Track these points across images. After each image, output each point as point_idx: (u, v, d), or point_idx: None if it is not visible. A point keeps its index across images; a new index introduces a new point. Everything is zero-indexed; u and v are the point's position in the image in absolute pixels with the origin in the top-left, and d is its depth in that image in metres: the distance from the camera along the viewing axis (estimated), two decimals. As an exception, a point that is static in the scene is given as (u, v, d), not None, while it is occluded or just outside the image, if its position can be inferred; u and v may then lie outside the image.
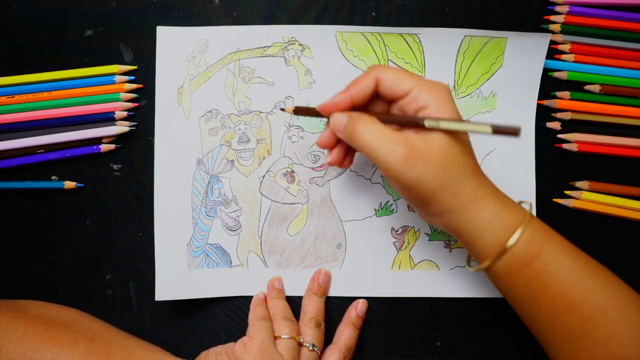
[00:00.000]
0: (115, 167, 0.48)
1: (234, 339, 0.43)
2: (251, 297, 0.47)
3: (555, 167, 0.48)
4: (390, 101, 0.39)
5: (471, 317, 0.48)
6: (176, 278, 0.47)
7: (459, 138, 0.37)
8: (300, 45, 0.47)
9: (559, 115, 0.48)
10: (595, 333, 0.35)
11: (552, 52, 0.48)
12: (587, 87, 0.48)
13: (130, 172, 0.48)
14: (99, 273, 0.48)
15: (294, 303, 0.47)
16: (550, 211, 0.48)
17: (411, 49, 0.47)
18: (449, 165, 0.36)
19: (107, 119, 0.47)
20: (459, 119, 0.37)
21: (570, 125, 0.48)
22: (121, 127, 0.47)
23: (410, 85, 0.37)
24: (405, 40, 0.47)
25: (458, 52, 0.47)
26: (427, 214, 0.39)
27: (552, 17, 0.48)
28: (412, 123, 0.37)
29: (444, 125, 0.35)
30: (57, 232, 0.48)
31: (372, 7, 0.48)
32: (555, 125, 0.48)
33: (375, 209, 0.48)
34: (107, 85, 0.47)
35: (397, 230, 0.48)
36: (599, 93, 0.47)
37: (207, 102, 0.47)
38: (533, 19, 0.48)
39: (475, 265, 0.39)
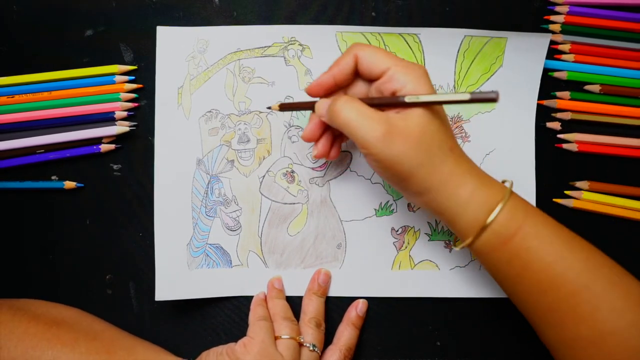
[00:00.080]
0: (115, 167, 0.48)
1: (234, 339, 0.43)
2: (251, 297, 0.47)
3: (555, 167, 0.48)
4: (370, 82, 0.40)
5: (471, 317, 0.48)
6: (176, 278, 0.47)
7: (437, 116, 0.37)
8: (300, 45, 0.47)
9: (559, 115, 0.48)
10: (579, 308, 0.36)
11: (552, 52, 0.48)
12: (587, 87, 0.48)
13: (130, 172, 0.48)
14: (99, 273, 0.48)
15: (294, 303, 0.47)
16: (550, 211, 0.47)
17: (411, 49, 0.47)
18: (427, 143, 0.36)
19: (107, 119, 0.47)
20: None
21: (570, 125, 0.48)
22: (121, 127, 0.47)
23: (386, 65, 0.37)
24: (405, 40, 0.47)
25: (458, 52, 0.47)
26: (408, 194, 0.39)
27: (552, 17, 0.48)
28: (393, 103, 0.37)
29: (424, 98, 0.36)
30: (57, 232, 0.48)
31: (371, 7, 0.48)
32: (555, 125, 0.48)
33: (375, 209, 0.48)
34: (107, 85, 0.47)
35: (397, 230, 0.48)
36: (599, 93, 0.47)
37: (207, 102, 0.47)
38: (533, 19, 0.48)
39: (459, 244, 0.39)
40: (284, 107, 0.44)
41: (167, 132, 0.47)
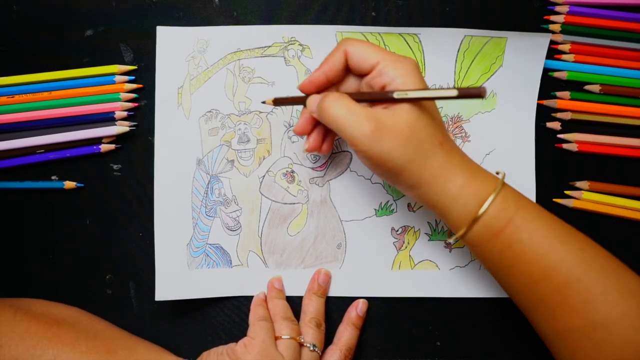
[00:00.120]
0: (115, 167, 0.48)
1: (234, 339, 0.43)
2: (251, 297, 0.47)
3: (555, 167, 0.48)
4: (360, 77, 0.40)
5: (471, 317, 0.48)
6: (176, 278, 0.47)
7: (427, 111, 0.37)
8: (300, 45, 0.47)
9: (559, 115, 0.48)
10: (571, 300, 0.36)
11: (552, 52, 0.48)
12: (587, 87, 0.48)
13: (130, 172, 0.48)
14: (99, 273, 0.48)
15: (294, 303, 0.47)
16: (551, 211, 0.47)
17: (411, 49, 0.47)
18: (416, 139, 0.36)
19: (107, 119, 0.47)
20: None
21: (570, 125, 0.48)
22: (121, 127, 0.47)
23: (376, 59, 0.38)
24: (405, 40, 0.47)
25: (458, 52, 0.47)
26: (400, 187, 0.39)
27: (552, 17, 0.48)
28: (381, 99, 0.37)
29: (412, 94, 0.36)
30: (57, 232, 0.48)
31: (371, 7, 0.48)
32: (555, 125, 0.48)
33: (375, 209, 0.48)
34: (107, 85, 0.47)
35: (397, 230, 0.48)
36: (599, 93, 0.47)
37: (207, 102, 0.47)
38: (533, 19, 0.48)
39: (452, 237, 0.40)
40: (277, 102, 0.44)
41: (167, 132, 0.47)
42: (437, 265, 0.48)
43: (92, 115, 0.47)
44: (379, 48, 0.38)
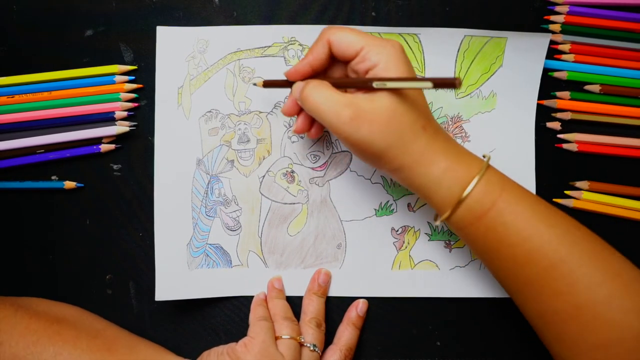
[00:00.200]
0: (115, 167, 0.48)
1: (234, 339, 0.43)
2: (251, 297, 0.47)
3: (555, 167, 0.48)
4: (346, 63, 0.40)
5: (471, 317, 0.48)
6: (176, 278, 0.47)
7: (408, 96, 0.37)
8: (300, 45, 0.47)
9: (559, 115, 0.48)
10: (556, 282, 0.36)
11: (552, 52, 0.48)
12: (587, 87, 0.48)
13: (130, 172, 0.48)
14: (99, 273, 0.48)
15: (294, 303, 0.47)
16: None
17: (411, 49, 0.47)
18: (396, 124, 0.36)
19: (107, 119, 0.47)
20: (409, 76, 0.37)
21: (570, 125, 0.48)
22: (121, 127, 0.47)
23: (359, 45, 0.37)
24: (405, 40, 0.47)
25: (458, 52, 0.47)
26: (384, 171, 0.40)
27: (552, 17, 0.48)
28: (362, 85, 0.37)
29: (390, 84, 0.36)
30: (57, 232, 0.48)
31: (371, 7, 0.48)
32: (555, 125, 0.48)
33: (375, 209, 0.48)
34: (107, 85, 0.47)
35: (397, 230, 0.48)
36: (599, 93, 0.47)
37: (207, 102, 0.47)
38: (533, 19, 0.48)
39: (438, 220, 0.40)
40: (267, 84, 0.45)
41: (167, 132, 0.47)
42: (437, 265, 0.48)
43: (92, 115, 0.47)
44: (362, 33, 0.38)
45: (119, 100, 0.47)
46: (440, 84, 0.33)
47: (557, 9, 0.47)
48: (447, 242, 0.48)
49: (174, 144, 0.47)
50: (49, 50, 0.47)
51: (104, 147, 0.47)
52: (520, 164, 0.48)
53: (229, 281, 0.47)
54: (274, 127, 0.48)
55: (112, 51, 0.47)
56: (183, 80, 0.47)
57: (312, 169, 0.48)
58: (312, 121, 0.43)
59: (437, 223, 0.40)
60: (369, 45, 0.37)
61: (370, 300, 0.48)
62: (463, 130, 0.48)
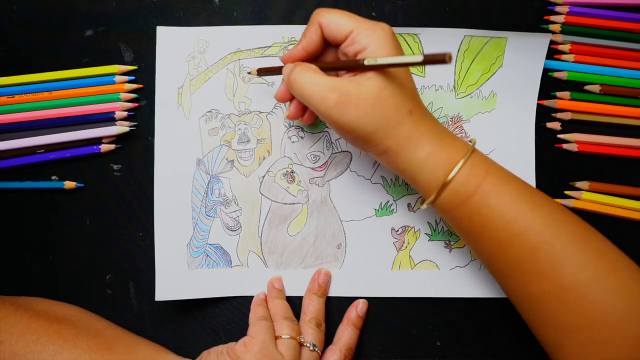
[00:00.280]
0: (115, 167, 0.48)
1: (234, 339, 0.43)
2: (251, 297, 0.47)
3: (555, 167, 0.48)
4: (337, 46, 0.40)
5: (471, 317, 0.48)
6: (176, 278, 0.47)
7: (395, 80, 0.37)
8: (300, 45, 0.47)
9: (559, 115, 0.48)
10: (540, 264, 0.36)
11: (552, 52, 0.48)
12: (587, 87, 0.48)
13: (130, 172, 0.48)
14: (99, 273, 0.48)
15: (294, 303, 0.47)
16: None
17: (411, 49, 0.47)
18: (381, 108, 0.36)
19: (107, 119, 0.47)
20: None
21: (570, 125, 0.48)
22: (121, 127, 0.47)
23: (349, 27, 0.37)
24: (405, 41, 0.47)
25: (458, 52, 0.47)
26: (371, 154, 0.40)
27: (552, 17, 0.48)
28: (353, 66, 0.37)
29: (382, 61, 0.35)
30: (57, 232, 0.48)
31: (371, 7, 0.48)
32: (555, 125, 0.48)
33: (375, 209, 0.48)
34: (107, 85, 0.47)
35: (397, 230, 0.48)
36: (599, 93, 0.47)
37: (207, 102, 0.47)
38: (533, 19, 0.48)
39: (423, 204, 0.40)
40: (261, 71, 0.45)
41: (167, 132, 0.47)
42: (437, 265, 0.48)
43: (92, 115, 0.47)
44: (352, 16, 0.38)
45: (119, 100, 0.47)
46: (431, 60, 0.33)
47: (557, 9, 0.47)
48: (447, 242, 0.48)
49: (174, 144, 0.47)
50: (49, 50, 0.47)
51: (104, 147, 0.47)
52: (520, 164, 0.48)
53: (229, 281, 0.47)
54: (274, 127, 0.48)
55: (112, 51, 0.47)
56: (183, 80, 0.47)
57: (312, 169, 0.48)
58: (304, 107, 0.43)
59: (424, 207, 0.40)
60: (358, 27, 0.37)
61: (370, 300, 0.48)
62: (463, 130, 0.48)
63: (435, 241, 0.48)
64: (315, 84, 0.37)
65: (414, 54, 0.47)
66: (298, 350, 0.43)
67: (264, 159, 0.48)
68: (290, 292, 0.47)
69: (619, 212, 0.47)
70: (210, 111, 0.47)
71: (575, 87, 0.48)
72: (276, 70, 0.43)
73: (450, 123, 0.48)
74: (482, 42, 0.47)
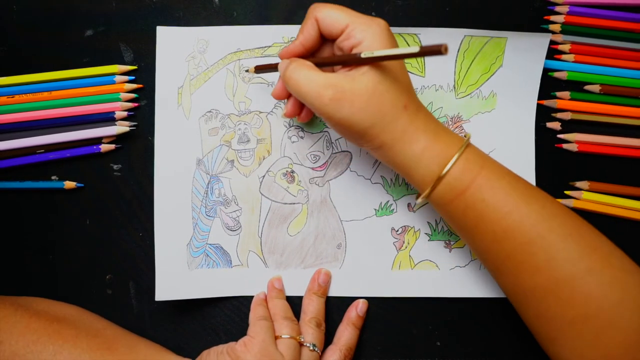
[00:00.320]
0: (115, 167, 0.48)
1: (234, 338, 0.43)
2: (251, 297, 0.47)
3: (555, 167, 0.48)
4: (332, 41, 0.40)
5: (471, 317, 0.48)
6: (176, 278, 0.47)
7: (390, 75, 0.37)
8: (300, 45, 0.47)
9: (559, 115, 0.48)
10: (534, 257, 0.37)
11: (552, 52, 0.48)
12: (587, 87, 0.48)
13: (130, 172, 0.48)
14: (99, 273, 0.48)
15: (294, 303, 0.47)
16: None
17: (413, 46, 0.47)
18: (376, 104, 0.37)
19: (107, 119, 0.47)
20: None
21: (570, 125, 0.48)
22: (121, 127, 0.47)
23: (345, 22, 0.38)
24: (405, 41, 0.47)
25: (458, 52, 0.47)
26: (366, 148, 0.40)
27: (552, 17, 0.48)
28: (349, 60, 0.37)
29: (378, 53, 0.36)
30: (57, 232, 0.48)
31: (372, 7, 0.48)
32: (555, 125, 0.48)
33: (375, 209, 0.48)
34: (107, 85, 0.47)
35: (397, 230, 0.48)
36: (599, 93, 0.47)
37: (207, 102, 0.47)
38: (533, 19, 0.48)
39: (419, 199, 0.40)
40: (258, 69, 0.45)
41: (167, 132, 0.47)
42: (437, 265, 0.48)
43: (92, 115, 0.47)
44: (348, 10, 0.38)
45: (119, 100, 0.47)
46: (427, 51, 0.33)
47: (557, 9, 0.47)
48: (447, 242, 0.48)
49: (174, 144, 0.47)
50: (49, 50, 0.47)
51: (104, 147, 0.47)
52: (520, 164, 0.48)
53: (229, 281, 0.47)
54: (274, 127, 0.48)
55: (112, 51, 0.47)
56: (183, 80, 0.47)
57: (312, 169, 0.48)
58: (301, 105, 0.43)
59: (419, 200, 0.40)
60: (354, 22, 0.37)
61: (370, 300, 0.48)
62: (463, 130, 0.48)
63: (435, 241, 0.48)
64: (310, 80, 0.37)
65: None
66: (298, 350, 0.43)
67: (264, 159, 0.48)
68: (290, 292, 0.47)
69: (619, 212, 0.47)
70: (210, 111, 0.47)
71: (575, 87, 0.48)
72: (274, 67, 0.43)
73: (450, 123, 0.48)
74: (482, 42, 0.47)
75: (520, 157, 0.48)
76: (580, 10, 0.47)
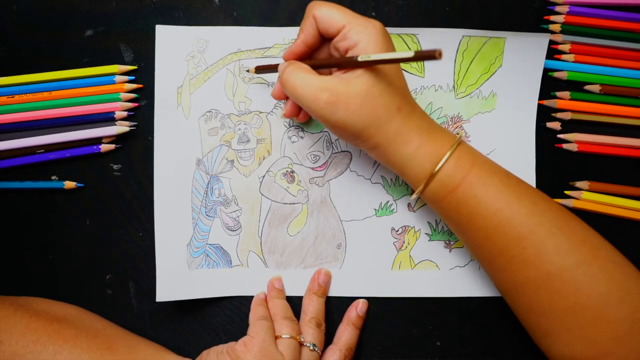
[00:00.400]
0: (115, 167, 0.48)
1: (234, 338, 0.43)
2: (251, 297, 0.47)
3: (555, 167, 0.48)
4: (329, 40, 0.40)
5: (471, 317, 0.48)
6: (176, 278, 0.47)
7: (384, 77, 0.38)
8: (300, 45, 0.47)
9: (559, 115, 0.48)
10: (525, 252, 0.38)
11: (552, 52, 0.48)
12: (587, 87, 0.48)
13: (130, 172, 0.48)
14: (99, 273, 0.48)
15: (294, 303, 0.47)
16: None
17: (409, 49, 0.47)
18: (370, 106, 0.37)
19: (107, 119, 0.47)
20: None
21: (570, 125, 0.48)
22: (121, 127, 0.47)
23: (341, 22, 0.38)
24: (404, 41, 0.47)
25: (457, 52, 0.47)
26: (361, 148, 0.41)
27: (552, 17, 0.48)
28: (346, 63, 0.38)
29: (374, 57, 0.36)
30: (57, 232, 0.48)
31: (371, 7, 0.48)
32: (555, 125, 0.48)
33: (375, 209, 0.48)
34: (107, 85, 0.47)
35: (397, 230, 0.48)
36: (599, 93, 0.47)
37: (206, 102, 0.47)
38: (533, 19, 0.48)
39: (413, 195, 0.41)
40: (259, 69, 0.46)
41: (167, 132, 0.47)
42: (437, 265, 0.48)
43: (92, 115, 0.47)
44: (345, 10, 0.38)
45: (119, 100, 0.47)
46: (422, 56, 0.33)
47: (557, 9, 0.47)
48: (447, 242, 0.48)
49: (174, 144, 0.47)
50: (49, 50, 0.47)
51: (104, 147, 0.47)
52: (520, 164, 0.48)
53: (229, 281, 0.47)
54: (274, 127, 0.48)
55: (112, 51, 0.47)
56: (183, 80, 0.47)
57: (312, 169, 0.48)
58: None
59: (413, 197, 0.41)
60: (350, 23, 0.38)
61: (370, 300, 0.48)
62: (463, 130, 0.48)
63: (435, 241, 0.48)
64: (306, 84, 0.38)
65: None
66: (298, 350, 0.43)
67: (264, 159, 0.48)
68: (290, 292, 0.47)
69: (619, 212, 0.47)
70: (210, 111, 0.47)
71: (575, 87, 0.48)
72: (274, 68, 0.43)
73: (450, 123, 0.48)
74: (481, 42, 0.47)
75: (520, 157, 0.48)
76: (580, 10, 0.47)
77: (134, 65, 0.47)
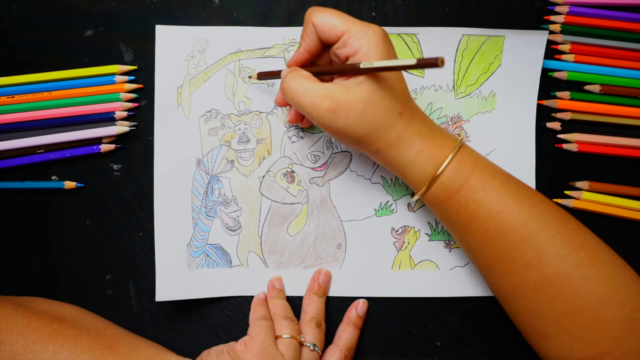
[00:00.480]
0: (115, 167, 0.48)
1: (234, 338, 0.43)
2: (251, 297, 0.47)
3: (555, 167, 0.48)
4: (329, 46, 0.40)
5: (471, 317, 0.48)
6: (176, 278, 0.47)
7: (385, 83, 0.38)
8: (300, 45, 0.47)
9: (559, 115, 0.48)
10: (525, 255, 0.38)
11: (552, 52, 0.48)
12: (587, 87, 0.48)
13: (130, 172, 0.48)
14: (99, 273, 0.48)
15: (294, 303, 0.47)
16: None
17: (410, 50, 0.47)
18: (371, 113, 0.37)
19: (107, 119, 0.47)
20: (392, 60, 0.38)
21: (570, 125, 0.48)
22: (121, 127, 0.47)
23: (341, 29, 0.38)
24: (404, 41, 0.47)
25: (457, 51, 0.47)
26: (364, 152, 0.41)
27: (552, 17, 0.48)
28: (347, 70, 0.38)
29: (377, 64, 0.36)
30: (57, 232, 0.48)
31: (371, 7, 0.48)
32: (555, 125, 0.48)
33: (375, 209, 0.48)
34: (107, 85, 0.47)
35: (397, 230, 0.48)
36: (599, 93, 0.47)
37: (206, 102, 0.47)
38: (533, 19, 0.48)
39: (414, 197, 0.41)
40: (261, 75, 0.46)
41: (167, 132, 0.47)
42: (437, 265, 0.48)
43: (92, 115, 0.47)
44: (344, 16, 0.38)
45: (119, 100, 0.47)
46: (424, 63, 0.33)
47: (557, 9, 0.47)
48: (447, 242, 0.48)
49: (174, 144, 0.47)
50: (49, 50, 0.47)
51: (104, 147, 0.47)
52: (520, 164, 0.48)
53: (229, 281, 0.47)
54: (274, 127, 0.48)
55: (112, 51, 0.47)
56: (182, 80, 0.47)
57: (312, 169, 0.48)
58: None
59: (414, 199, 0.41)
60: (350, 30, 0.37)
61: (370, 300, 0.48)
62: (463, 130, 0.48)
63: (435, 241, 0.48)
64: (307, 91, 0.38)
65: (412, 53, 0.47)
66: (298, 350, 0.43)
67: (264, 159, 0.48)
68: (290, 292, 0.47)
69: (619, 212, 0.47)
70: (210, 111, 0.47)
71: (575, 87, 0.48)
72: (275, 74, 0.43)
73: (450, 123, 0.48)
74: (480, 41, 0.47)
75: (520, 157, 0.48)
76: (580, 10, 0.47)
77: (134, 65, 0.47)
